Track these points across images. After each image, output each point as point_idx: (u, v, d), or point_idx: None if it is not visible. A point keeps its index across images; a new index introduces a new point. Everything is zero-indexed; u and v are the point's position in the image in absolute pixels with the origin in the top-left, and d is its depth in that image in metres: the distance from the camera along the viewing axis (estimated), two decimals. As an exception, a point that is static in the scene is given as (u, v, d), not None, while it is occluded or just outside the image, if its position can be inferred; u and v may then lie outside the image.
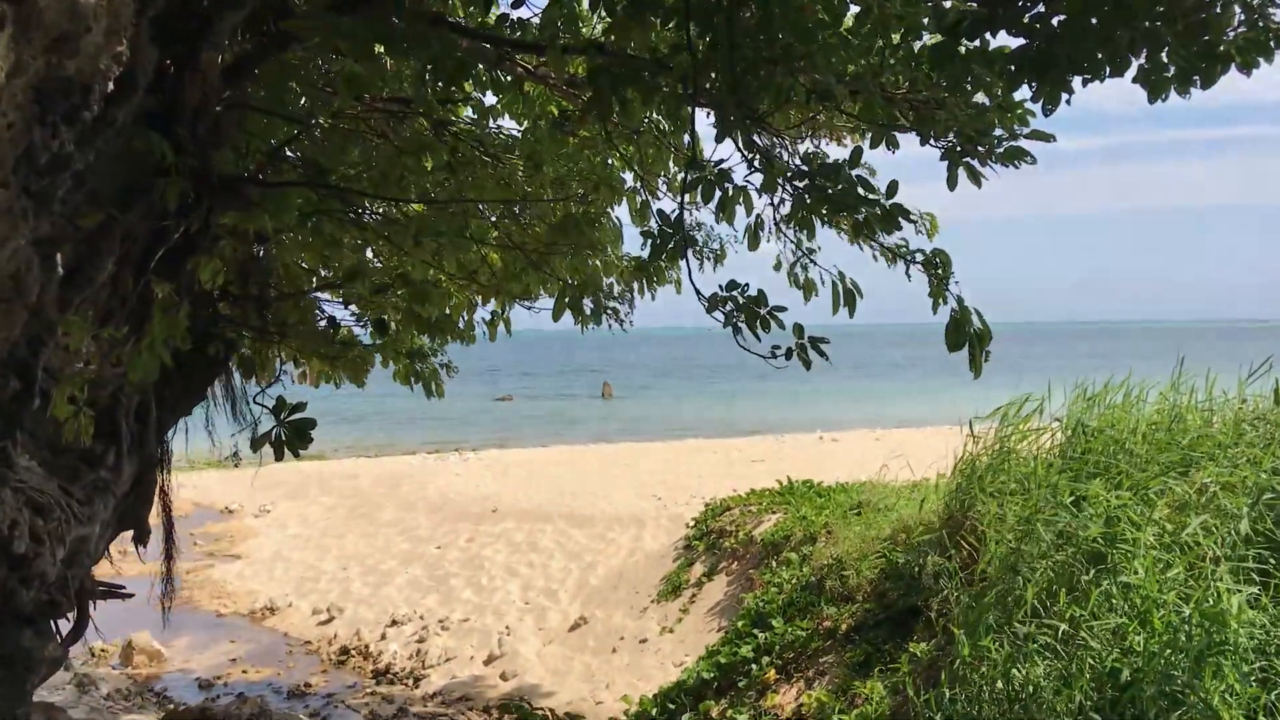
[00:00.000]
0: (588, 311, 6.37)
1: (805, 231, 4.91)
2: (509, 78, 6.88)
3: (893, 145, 6.75)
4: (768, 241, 5.36)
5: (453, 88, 6.41)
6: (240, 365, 7.29)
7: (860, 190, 4.70)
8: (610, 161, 7.56)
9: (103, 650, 11.87)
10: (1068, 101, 4.48)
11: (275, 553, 16.51)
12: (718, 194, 4.94)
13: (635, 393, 62.30)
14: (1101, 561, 6.26)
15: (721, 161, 4.98)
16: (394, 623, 12.13)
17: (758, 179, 4.81)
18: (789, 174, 4.76)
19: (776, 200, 4.81)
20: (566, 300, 6.24)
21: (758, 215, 5.22)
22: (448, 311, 7.36)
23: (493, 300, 7.17)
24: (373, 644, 11.76)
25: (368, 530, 16.71)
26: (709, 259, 8.03)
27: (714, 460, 20.59)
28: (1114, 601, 6.03)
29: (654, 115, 7.19)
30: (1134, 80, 4.68)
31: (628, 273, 7.86)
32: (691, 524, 11.94)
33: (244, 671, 11.42)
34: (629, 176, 7.82)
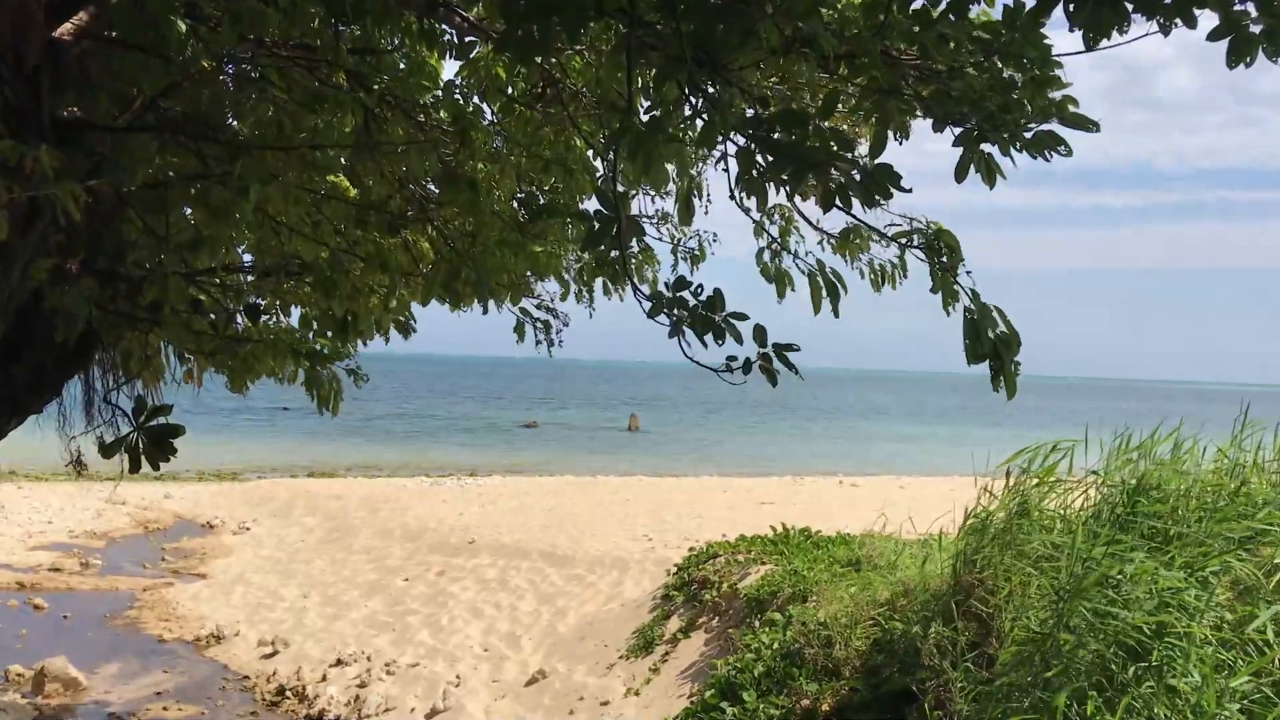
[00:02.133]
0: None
1: (755, 199, 3.70)
2: (447, 29, 5.77)
3: (902, 133, 5.53)
4: (703, 213, 4.16)
5: (360, 31, 5.32)
6: (119, 358, 6.19)
7: (834, 146, 3.48)
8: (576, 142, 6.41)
9: (18, 675, 10.78)
10: (1120, 30, 3.25)
11: (239, 575, 15.40)
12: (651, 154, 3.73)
13: (669, 427, 61.07)
14: (1144, 657, 4.94)
15: (656, 110, 3.79)
16: (338, 662, 10.92)
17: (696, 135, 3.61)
18: (737, 125, 3.56)
19: (718, 160, 3.61)
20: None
21: (693, 178, 4.03)
22: (371, 310, 6.21)
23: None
24: (311, 685, 10.54)
25: (338, 556, 15.55)
26: (684, 259, 6.84)
27: (721, 499, 19.26)
28: (1157, 712, 4.71)
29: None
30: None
31: (588, 271, 6.70)
32: (673, 571, 10.65)
33: (165, 708, 10.24)
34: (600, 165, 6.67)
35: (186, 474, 30.53)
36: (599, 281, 6.65)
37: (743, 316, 4.63)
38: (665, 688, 8.85)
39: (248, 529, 19.39)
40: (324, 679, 10.64)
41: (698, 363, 4.69)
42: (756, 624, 8.61)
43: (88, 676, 10.84)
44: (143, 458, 5.40)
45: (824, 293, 4.13)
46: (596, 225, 4.99)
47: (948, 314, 3.61)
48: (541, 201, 6.53)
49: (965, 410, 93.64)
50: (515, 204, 6.55)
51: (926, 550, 8.02)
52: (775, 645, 7.90)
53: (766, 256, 4.80)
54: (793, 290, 4.88)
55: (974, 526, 6.62)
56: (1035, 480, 6.54)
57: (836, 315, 4.12)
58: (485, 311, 5.64)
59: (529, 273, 6.09)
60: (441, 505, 18.55)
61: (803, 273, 4.40)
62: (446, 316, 6.28)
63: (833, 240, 5.54)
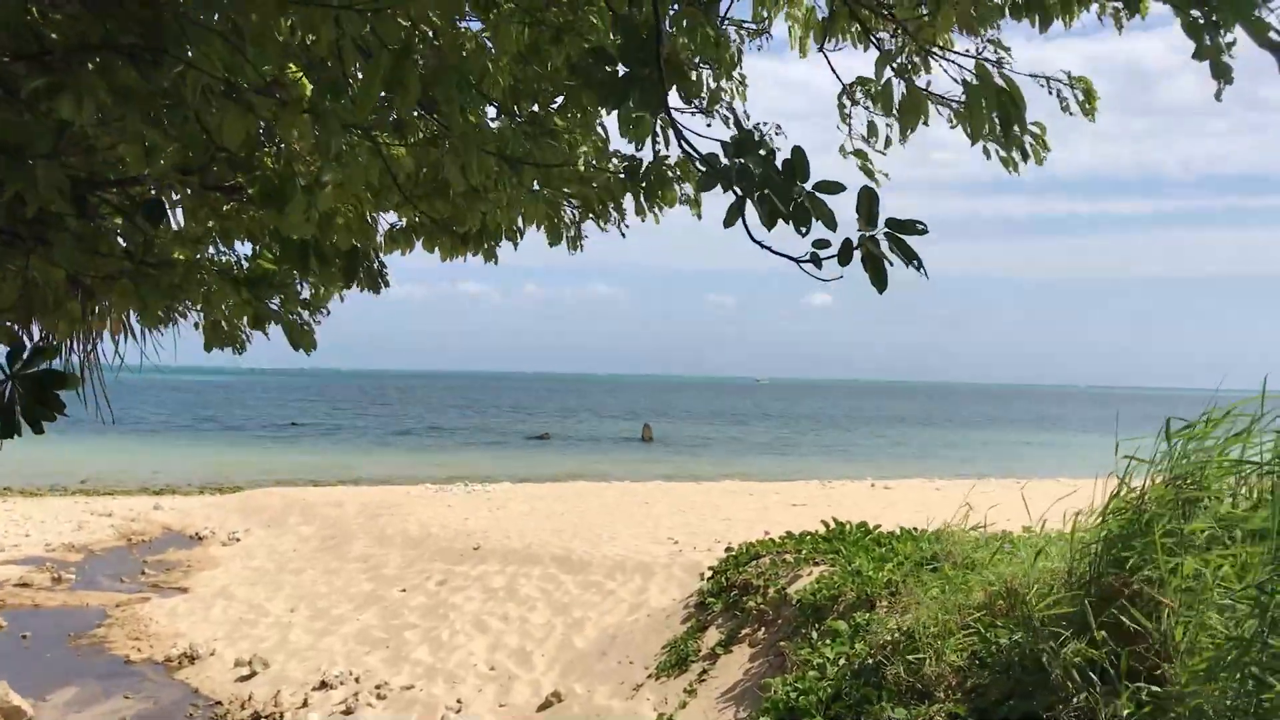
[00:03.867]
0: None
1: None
2: None
3: None
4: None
5: None
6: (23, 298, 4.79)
7: None
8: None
9: (-45, 703, 9.35)
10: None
11: (222, 588, 13.97)
12: None
13: (684, 436, 59.73)
14: None
15: None
16: (323, 684, 9.48)
17: None
18: None
19: None
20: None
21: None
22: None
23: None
24: (290, 712, 9.10)
25: (332, 566, 14.12)
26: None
27: (747, 502, 17.79)
28: None
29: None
30: None
31: (615, 185, 5.30)
32: (709, 575, 9.20)
33: (119, 740, 8.83)
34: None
35: (188, 488, 29.27)
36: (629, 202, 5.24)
37: (837, 187, 3.18)
38: (705, 712, 7.39)
39: (238, 539, 17.99)
40: (305, 704, 9.20)
41: (771, 249, 3.23)
42: (814, 635, 7.17)
43: (35, 704, 9.43)
44: (19, 417, 4.00)
45: (991, 111, 2.68)
46: (622, 67, 3.51)
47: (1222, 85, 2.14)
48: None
49: (973, 415, 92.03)
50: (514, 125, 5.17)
51: (1030, 545, 6.57)
52: (843, 661, 6.45)
53: (889, 73, 3.40)
54: (925, 125, 3.47)
55: (1121, 511, 5.16)
56: (1207, 457, 5.06)
57: (1023, 164, 2.67)
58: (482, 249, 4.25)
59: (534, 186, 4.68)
60: (446, 510, 17.12)
61: (955, 96, 2.96)
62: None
63: (947, 108, 4.12)
